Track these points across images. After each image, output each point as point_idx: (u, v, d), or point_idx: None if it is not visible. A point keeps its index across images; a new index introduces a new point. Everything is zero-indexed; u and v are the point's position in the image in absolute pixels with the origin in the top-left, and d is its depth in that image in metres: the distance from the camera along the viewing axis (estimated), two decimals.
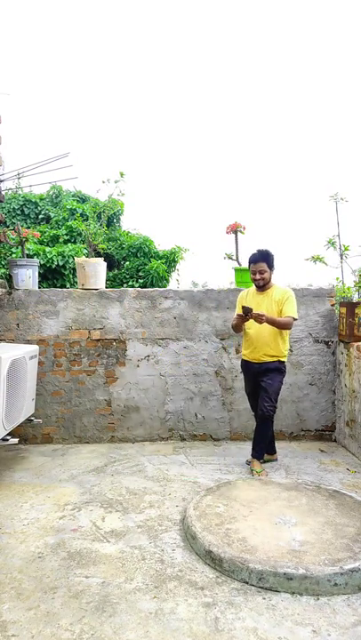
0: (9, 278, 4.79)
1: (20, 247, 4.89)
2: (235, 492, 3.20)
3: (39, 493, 3.39)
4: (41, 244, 7.14)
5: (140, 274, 7.48)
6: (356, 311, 4.14)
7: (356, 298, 4.76)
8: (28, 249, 6.37)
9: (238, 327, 3.79)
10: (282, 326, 3.60)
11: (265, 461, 3.98)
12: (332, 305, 4.56)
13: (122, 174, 5.15)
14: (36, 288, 4.69)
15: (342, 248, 4.79)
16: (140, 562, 2.53)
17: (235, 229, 4.81)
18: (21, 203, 8.48)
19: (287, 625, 2.05)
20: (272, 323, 3.57)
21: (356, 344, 4.06)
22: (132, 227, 8.70)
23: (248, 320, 3.60)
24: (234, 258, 4.90)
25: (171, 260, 7.77)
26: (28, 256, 5.91)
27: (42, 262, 6.55)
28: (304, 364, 4.56)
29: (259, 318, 3.51)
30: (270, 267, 3.72)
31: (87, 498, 3.32)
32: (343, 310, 4.29)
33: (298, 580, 2.26)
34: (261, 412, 3.67)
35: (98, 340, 4.55)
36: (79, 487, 3.50)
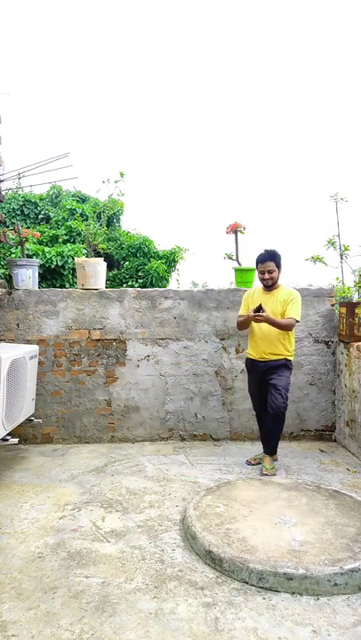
0: (9, 278, 4.79)
1: (19, 247, 4.89)
2: (235, 492, 3.20)
3: (39, 493, 3.39)
4: (40, 244, 7.13)
5: (140, 274, 7.48)
6: (357, 311, 4.14)
7: (356, 298, 4.76)
8: (28, 249, 6.36)
9: (244, 325, 3.79)
10: (282, 327, 3.60)
11: None
12: (332, 305, 4.56)
13: (122, 174, 5.15)
14: (36, 288, 4.69)
15: (342, 248, 4.79)
16: (140, 562, 2.53)
17: (235, 229, 4.81)
18: (21, 203, 8.48)
19: (287, 625, 2.05)
20: (272, 323, 3.58)
21: (356, 344, 4.06)
22: (132, 227, 8.70)
23: (258, 319, 3.58)
24: (234, 258, 4.90)
25: (171, 260, 7.77)
26: (28, 256, 5.91)
27: (41, 262, 6.55)
28: (304, 364, 4.56)
29: (257, 318, 3.52)
30: (278, 266, 3.72)
31: (87, 498, 3.32)
32: (343, 310, 4.29)
33: (298, 580, 2.26)
34: (273, 409, 3.63)
35: (98, 340, 4.55)
36: (79, 487, 3.50)
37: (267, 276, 3.71)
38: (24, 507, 3.17)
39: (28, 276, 4.60)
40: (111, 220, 8.43)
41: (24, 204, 8.50)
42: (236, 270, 4.82)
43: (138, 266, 7.56)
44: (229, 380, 4.58)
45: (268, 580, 2.29)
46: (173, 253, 7.81)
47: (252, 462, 3.95)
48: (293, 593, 2.25)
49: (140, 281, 7.37)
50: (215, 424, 4.61)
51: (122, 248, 7.87)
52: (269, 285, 3.75)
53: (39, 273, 6.39)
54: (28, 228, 7.73)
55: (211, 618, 2.09)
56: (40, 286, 6.45)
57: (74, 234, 7.48)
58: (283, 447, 4.27)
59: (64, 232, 7.51)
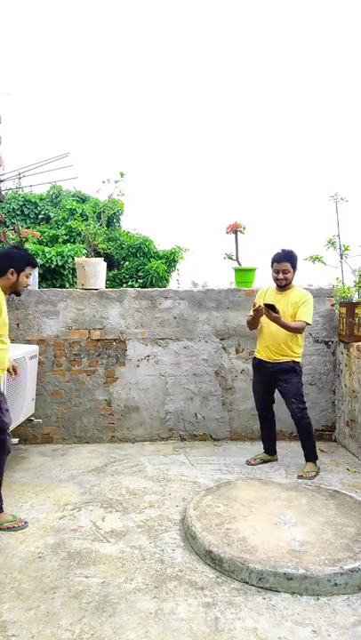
0: None
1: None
2: (235, 492, 3.20)
3: (39, 493, 3.39)
4: (40, 244, 7.14)
5: (140, 274, 7.48)
6: (357, 311, 4.14)
7: (356, 298, 4.76)
8: (28, 249, 6.36)
9: (253, 324, 3.77)
10: (293, 330, 3.57)
11: (265, 461, 3.98)
12: (332, 305, 4.56)
13: (122, 174, 5.15)
14: (36, 288, 4.69)
15: (342, 248, 4.79)
16: (140, 562, 2.53)
17: (235, 229, 4.81)
18: (21, 203, 8.49)
19: (287, 625, 2.05)
20: (282, 325, 3.54)
21: (356, 344, 4.06)
22: (132, 227, 8.71)
23: (268, 315, 3.51)
24: (234, 258, 4.90)
25: (171, 259, 7.78)
26: None
27: (41, 262, 6.55)
28: (304, 364, 4.55)
29: (270, 315, 3.47)
30: (294, 267, 3.68)
31: (87, 498, 3.32)
32: (343, 310, 4.29)
33: (298, 580, 2.26)
34: (293, 417, 3.70)
35: (98, 340, 4.55)
36: (79, 487, 3.50)
37: (281, 276, 3.68)
38: (24, 507, 3.17)
39: None
40: (111, 220, 8.44)
41: (24, 204, 8.51)
42: (236, 270, 4.82)
43: (138, 266, 7.57)
44: (229, 380, 4.58)
45: (268, 580, 2.29)
46: (173, 253, 7.82)
47: (253, 462, 3.95)
48: (293, 593, 2.25)
49: (140, 281, 7.37)
50: (215, 424, 4.61)
51: (122, 248, 7.88)
52: (283, 286, 3.72)
53: (39, 273, 6.40)
54: (28, 227, 7.73)
55: (211, 618, 2.09)
56: (40, 286, 6.46)
57: (74, 234, 7.49)
58: (283, 447, 4.27)
59: (64, 232, 7.51)
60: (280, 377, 3.70)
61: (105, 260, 4.82)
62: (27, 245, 5.24)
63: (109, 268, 7.50)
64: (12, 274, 2.93)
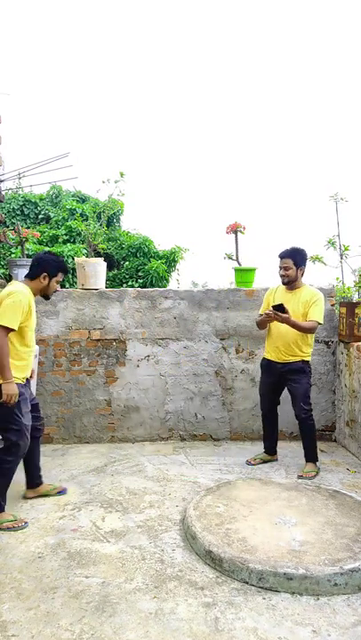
0: (9, 278, 4.79)
1: (19, 247, 4.89)
2: (235, 492, 3.20)
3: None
4: (40, 244, 7.13)
5: (140, 274, 7.48)
6: (357, 311, 4.14)
7: (356, 298, 4.76)
8: (28, 249, 6.36)
9: (262, 325, 3.77)
10: (304, 330, 3.57)
11: (265, 461, 3.98)
12: (332, 305, 4.56)
13: (122, 174, 5.15)
14: None
15: (342, 248, 4.79)
16: (140, 562, 2.53)
17: (235, 229, 4.80)
18: (21, 203, 8.48)
19: (287, 625, 2.05)
20: (294, 326, 3.52)
21: (356, 344, 4.06)
22: (132, 227, 8.70)
23: (277, 318, 3.50)
24: (234, 258, 4.89)
25: (171, 260, 7.77)
26: (28, 256, 5.91)
27: None
28: None
29: (279, 317, 3.46)
30: (297, 264, 3.64)
31: (87, 498, 3.32)
32: (343, 310, 4.29)
33: (298, 580, 2.26)
34: (297, 417, 3.71)
35: (98, 340, 4.55)
36: (79, 487, 3.50)
37: (282, 272, 3.68)
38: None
39: None
40: (111, 220, 8.43)
41: (24, 204, 8.50)
42: (236, 270, 4.82)
43: (138, 266, 7.56)
44: (229, 380, 4.58)
45: (268, 580, 2.29)
46: (173, 253, 7.81)
47: (252, 462, 3.95)
48: (293, 593, 2.25)
49: (140, 281, 7.36)
50: (215, 424, 4.61)
51: (122, 248, 7.87)
52: (285, 283, 3.72)
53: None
54: (28, 227, 7.73)
55: (211, 618, 2.09)
56: None
57: (74, 234, 7.49)
58: (283, 447, 4.27)
59: (64, 232, 7.51)
60: (290, 377, 3.70)
61: (105, 260, 4.82)
62: (27, 245, 5.24)
63: (109, 267, 7.50)
64: (44, 278, 3.04)
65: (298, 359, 3.67)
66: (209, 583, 2.34)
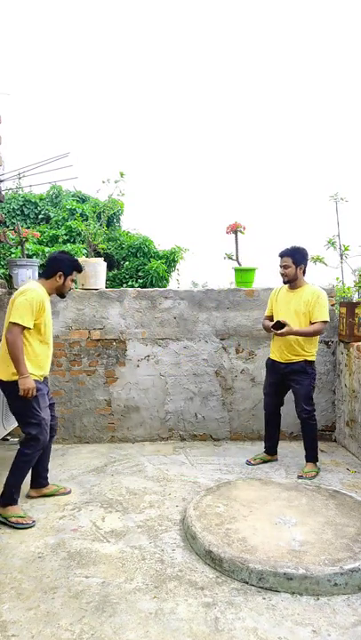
0: (9, 278, 4.78)
1: (19, 247, 4.89)
2: (235, 492, 3.20)
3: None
4: (40, 244, 7.13)
5: (140, 274, 7.47)
6: (357, 311, 4.14)
7: (356, 298, 4.76)
8: (28, 249, 6.36)
9: (268, 331, 3.81)
10: (312, 335, 3.60)
11: (265, 461, 3.98)
12: (333, 305, 4.56)
13: (122, 174, 5.15)
14: None
15: (342, 248, 4.79)
16: (140, 562, 2.53)
17: (235, 229, 4.81)
18: (21, 203, 8.48)
19: (287, 625, 2.05)
20: (299, 334, 3.56)
21: (356, 344, 4.06)
22: (132, 227, 8.68)
23: (281, 335, 3.58)
24: (234, 258, 4.90)
25: (171, 259, 7.76)
26: (28, 256, 5.91)
27: (41, 262, 6.54)
28: None
29: (282, 334, 3.54)
30: (296, 263, 3.65)
31: (87, 498, 3.32)
32: (343, 310, 4.29)
33: (298, 580, 2.26)
34: (299, 417, 3.74)
35: (98, 340, 4.55)
36: (79, 487, 3.50)
37: (282, 271, 3.71)
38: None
39: (27, 276, 4.60)
40: (111, 220, 8.42)
41: (24, 204, 8.50)
42: (236, 270, 4.82)
43: (138, 266, 7.55)
44: (229, 379, 4.58)
45: (268, 580, 2.29)
46: (173, 253, 7.80)
47: (252, 462, 3.95)
48: (293, 593, 2.25)
49: (140, 281, 7.36)
50: (215, 424, 4.61)
51: (122, 248, 7.86)
52: (285, 282, 3.74)
53: (39, 273, 6.39)
54: (28, 228, 7.73)
55: (211, 618, 2.09)
56: None
57: (74, 234, 7.48)
58: (283, 447, 4.27)
59: (64, 232, 7.50)
60: (292, 377, 3.71)
61: (105, 260, 4.82)
62: (27, 245, 5.24)
63: (109, 267, 7.49)
64: (59, 277, 3.12)
65: (300, 359, 3.67)
66: (209, 583, 2.34)
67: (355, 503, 3.01)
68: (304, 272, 3.75)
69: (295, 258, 3.66)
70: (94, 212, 6.09)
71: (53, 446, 4.46)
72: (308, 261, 3.82)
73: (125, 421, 4.59)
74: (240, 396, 4.58)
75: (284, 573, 2.28)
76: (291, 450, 4.30)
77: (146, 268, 7.35)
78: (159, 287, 6.88)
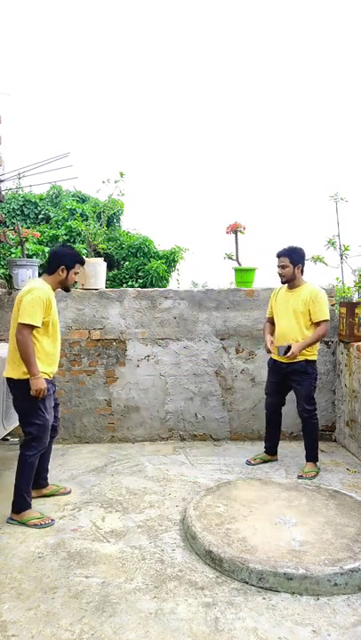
0: (9, 278, 4.78)
1: (19, 247, 4.89)
2: (235, 492, 3.20)
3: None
4: (40, 244, 7.13)
5: (140, 274, 7.47)
6: (357, 311, 4.14)
7: (356, 298, 4.76)
8: (28, 249, 6.36)
9: (269, 350, 3.82)
10: (317, 340, 3.63)
11: (265, 461, 3.98)
12: (333, 305, 4.56)
13: (122, 174, 5.15)
14: None
15: (342, 248, 4.79)
16: (140, 562, 2.53)
17: (235, 229, 4.81)
18: (21, 203, 8.48)
19: (287, 625, 2.05)
20: (306, 346, 3.58)
21: (356, 344, 4.06)
22: (132, 227, 8.68)
23: (289, 358, 3.60)
24: (234, 258, 4.90)
25: (171, 259, 7.76)
26: (28, 256, 5.91)
27: (41, 262, 6.54)
28: None
29: (291, 356, 3.57)
30: (293, 262, 3.66)
31: (87, 498, 3.32)
32: (343, 310, 4.29)
33: (298, 580, 2.26)
34: (300, 417, 3.76)
35: (98, 340, 4.55)
36: (79, 487, 3.50)
37: (279, 270, 3.72)
38: None
39: (28, 276, 4.60)
40: (111, 220, 8.42)
41: (24, 204, 8.50)
42: (236, 270, 4.82)
43: (138, 266, 7.55)
44: (229, 379, 4.58)
45: (268, 580, 2.29)
46: (173, 253, 7.80)
47: (252, 462, 3.95)
48: (293, 593, 2.25)
49: (140, 281, 7.36)
50: (215, 424, 4.61)
51: (122, 248, 7.86)
52: (283, 282, 3.75)
53: (39, 273, 6.39)
54: (28, 228, 7.73)
55: (211, 618, 2.09)
56: None
57: (74, 234, 7.48)
58: (283, 447, 4.27)
59: (64, 232, 7.50)
60: (293, 377, 3.72)
61: (105, 260, 4.82)
62: (27, 245, 5.24)
63: (109, 268, 7.49)
64: (62, 271, 3.09)
65: (301, 358, 3.67)
66: (209, 583, 2.34)
67: (355, 503, 3.01)
68: (302, 271, 3.75)
69: (292, 257, 3.68)
70: (94, 212, 6.09)
71: (53, 446, 4.48)
72: (306, 261, 3.83)
73: (125, 421, 4.59)
74: (240, 395, 4.58)
75: (284, 573, 2.28)
76: (291, 450, 4.30)
77: (146, 268, 7.35)
78: (159, 287, 6.88)
